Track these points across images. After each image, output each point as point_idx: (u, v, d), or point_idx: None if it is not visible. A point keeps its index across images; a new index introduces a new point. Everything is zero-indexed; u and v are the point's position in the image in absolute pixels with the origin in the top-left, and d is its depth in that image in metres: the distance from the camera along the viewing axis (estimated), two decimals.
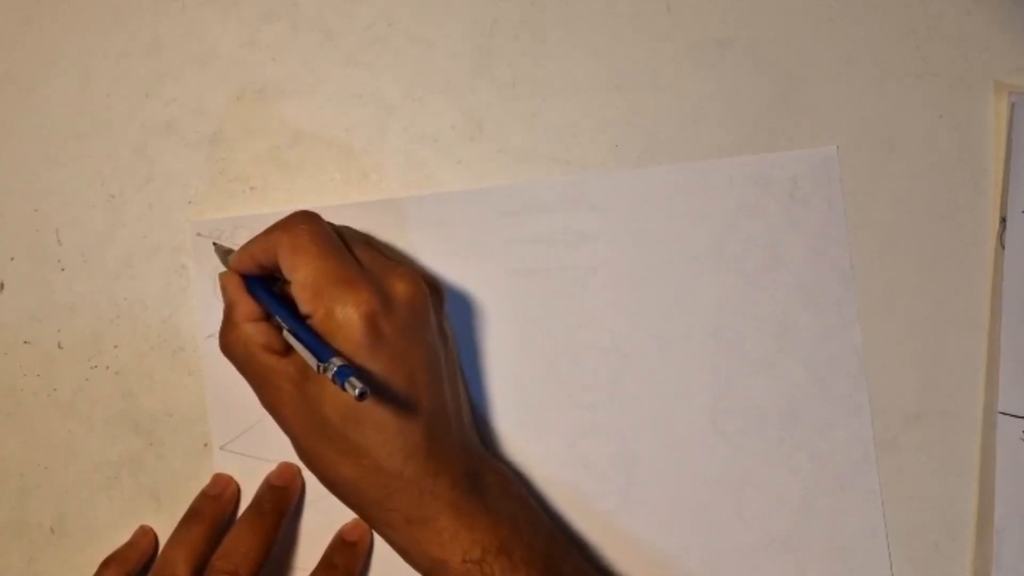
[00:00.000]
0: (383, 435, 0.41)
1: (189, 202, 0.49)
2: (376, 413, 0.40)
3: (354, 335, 0.40)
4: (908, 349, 0.48)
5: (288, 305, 0.42)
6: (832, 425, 0.47)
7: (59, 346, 0.49)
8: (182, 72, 0.50)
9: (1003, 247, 0.47)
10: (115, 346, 0.49)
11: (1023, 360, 0.47)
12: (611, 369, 0.48)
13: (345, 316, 0.40)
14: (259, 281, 0.44)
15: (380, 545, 0.47)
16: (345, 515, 0.47)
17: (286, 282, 0.42)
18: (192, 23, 0.50)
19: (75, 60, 0.50)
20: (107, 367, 0.49)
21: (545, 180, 0.49)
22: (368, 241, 0.45)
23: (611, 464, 0.48)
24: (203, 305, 0.49)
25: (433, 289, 0.44)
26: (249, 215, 0.49)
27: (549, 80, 0.49)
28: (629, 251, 0.48)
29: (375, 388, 0.37)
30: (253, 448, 0.48)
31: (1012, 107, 0.47)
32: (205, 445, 0.48)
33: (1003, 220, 0.47)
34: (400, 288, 0.42)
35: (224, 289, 0.44)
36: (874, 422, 0.48)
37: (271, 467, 0.48)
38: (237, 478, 0.48)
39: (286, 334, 0.41)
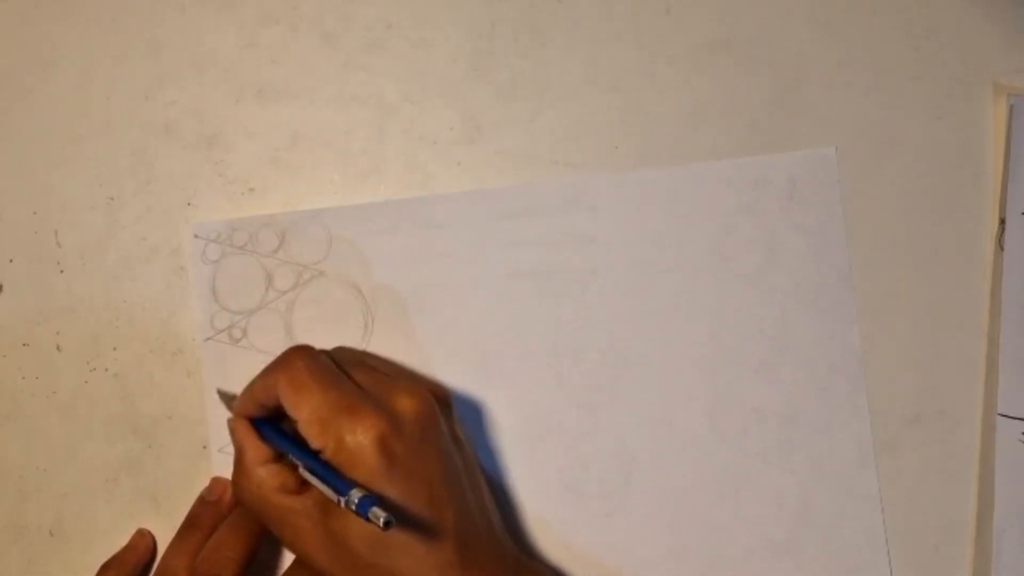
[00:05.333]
0: (413, 557, 0.40)
1: (188, 204, 0.49)
2: (402, 536, 0.40)
3: (368, 462, 0.39)
4: (907, 351, 0.48)
5: (300, 442, 0.42)
6: (831, 427, 0.47)
7: (58, 348, 0.49)
8: (181, 74, 0.50)
9: (1002, 248, 0.47)
10: (114, 348, 0.49)
11: (1022, 361, 0.47)
12: (610, 370, 0.48)
13: (356, 444, 0.40)
14: (267, 422, 0.44)
15: None
16: None
17: (294, 420, 0.42)
18: (191, 25, 0.50)
19: (74, 62, 0.50)
20: (106, 369, 0.49)
21: (544, 182, 0.49)
22: (364, 361, 0.45)
23: (610, 465, 0.48)
24: (202, 307, 0.49)
25: (438, 397, 0.44)
26: (248, 217, 0.49)
27: (548, 82, 0.49)
28: (628, 253, 0.48)
29: (398, 513, 0.37)
30: None
31: (1011, 109, 0.47)
32: (204, 447, 0.48)
33: (1002, 221, 0.47)
34: (405, 405, 0.41)
35: (232, 435, 0.44)
36: (873, 424, 0.47)
37: None
38: None
39: (302, 471, 0.41)
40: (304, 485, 0.42)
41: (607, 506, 0.47)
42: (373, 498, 0.37)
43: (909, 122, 0.48)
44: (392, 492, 0.40)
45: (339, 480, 0.39)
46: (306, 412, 0.41)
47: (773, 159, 0.48)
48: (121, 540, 0.48)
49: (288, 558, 0.47)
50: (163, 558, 0.46)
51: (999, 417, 0.46)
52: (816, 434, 0.47)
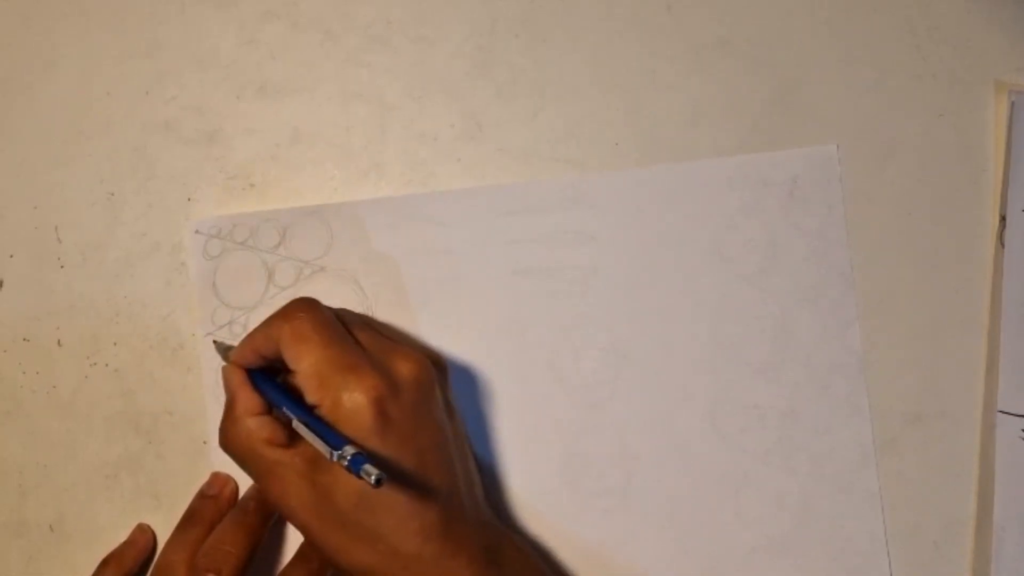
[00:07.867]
0: (398, 519, 0.40)
1: (188, 200, 0.49)
2: (389, 497, 0.40)
3: (363, 421, 0.40)
4: (907, 349, 0.48)
5: (294, 395, 0.42)
6: (831, 426, 0.47)
7: (58, 344, 0.49)
8: (182, 71, 0.50)
9: (1003, 245, 0.47)
10: (114, 344, 0.49)
11: (1023, 358, 0.47)
12: (611, 369, 0.48)
13: (353, 403, 0.40)
14: (262, 374, 0.44)
15: None
16: None
17: (288, 372, 0.42)
18: (191, 22, 0.50)
19: (75, 59, 0.50)
20: (106, 365, 0.49)
21: (545, 180, 0.49)
22: (367, 322, 0.45)
23: (611, 464, 0.48)
24: (202, 303, 0.49)
25: (436, 365, 0.44)
26: (248, 212, 0.49)
27: (549, 79, 0.49)
28: (629, 251, 0.48)
29: (388, 473, 0.37)
30: None
31: (1012, 106, 0.47)
32: (204, 443, 0.48)
33: (1003, 218, 0.47)
34: (405, 369, 0.41)
35: (226, 383, 0.44)
36: (873, 423, 0.47)
37: None
38: (235, 476, 0.48)
39: (296, 424, 0.41)
40: (293, 440, 0.42)
41: (607, 504, 0.48)
42: (366, 456, 0.37)
43: (910, 120, 0.48)
44: (384, 453, 0.40)
45: (333, 435, 0.39)
46: (306, 364, 0.41)
47: (774, 157, 0.48)
48: (121, 536, 0.48)
49: (288, 554, 0.47)
50: (162, 553, 0.46)
51: (999, 414, 0.46)
52: (816, 433, 0.47)
